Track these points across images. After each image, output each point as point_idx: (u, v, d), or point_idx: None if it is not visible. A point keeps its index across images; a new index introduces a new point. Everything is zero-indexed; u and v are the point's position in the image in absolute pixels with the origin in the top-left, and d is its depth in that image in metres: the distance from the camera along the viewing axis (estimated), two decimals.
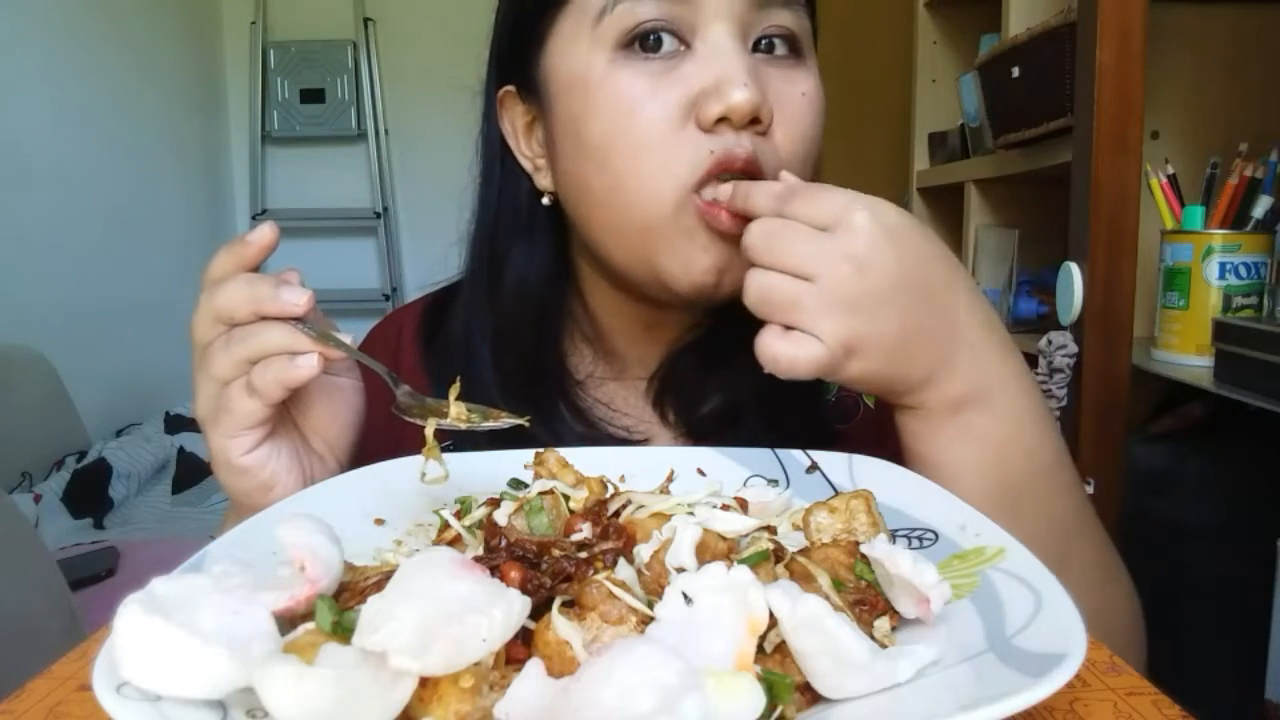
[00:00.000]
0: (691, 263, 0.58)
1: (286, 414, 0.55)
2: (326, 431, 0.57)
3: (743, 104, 0.54)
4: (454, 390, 0.52)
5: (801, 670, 0.32)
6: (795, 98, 0.59)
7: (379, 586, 0.34)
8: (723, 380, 0.68)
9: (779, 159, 0.58)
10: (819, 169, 0.67)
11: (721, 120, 0.55)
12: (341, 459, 0.58)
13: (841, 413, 0.72)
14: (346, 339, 0.52)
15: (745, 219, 0.53)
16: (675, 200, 0.56)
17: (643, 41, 0.57)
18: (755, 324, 0.67)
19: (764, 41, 0.58)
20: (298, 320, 0.50)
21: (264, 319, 0.50)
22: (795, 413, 0.67)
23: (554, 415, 0.66)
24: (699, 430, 0.68)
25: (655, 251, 0.59)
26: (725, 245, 0.57)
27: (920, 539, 0.45)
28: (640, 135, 0.56)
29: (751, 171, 0.56)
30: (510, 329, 0.67)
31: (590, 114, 0.58)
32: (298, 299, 0.50)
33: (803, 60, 0.60)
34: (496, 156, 0.68)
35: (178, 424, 2.63)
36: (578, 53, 0.58)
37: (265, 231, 0.52)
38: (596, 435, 0.66)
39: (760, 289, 0.50)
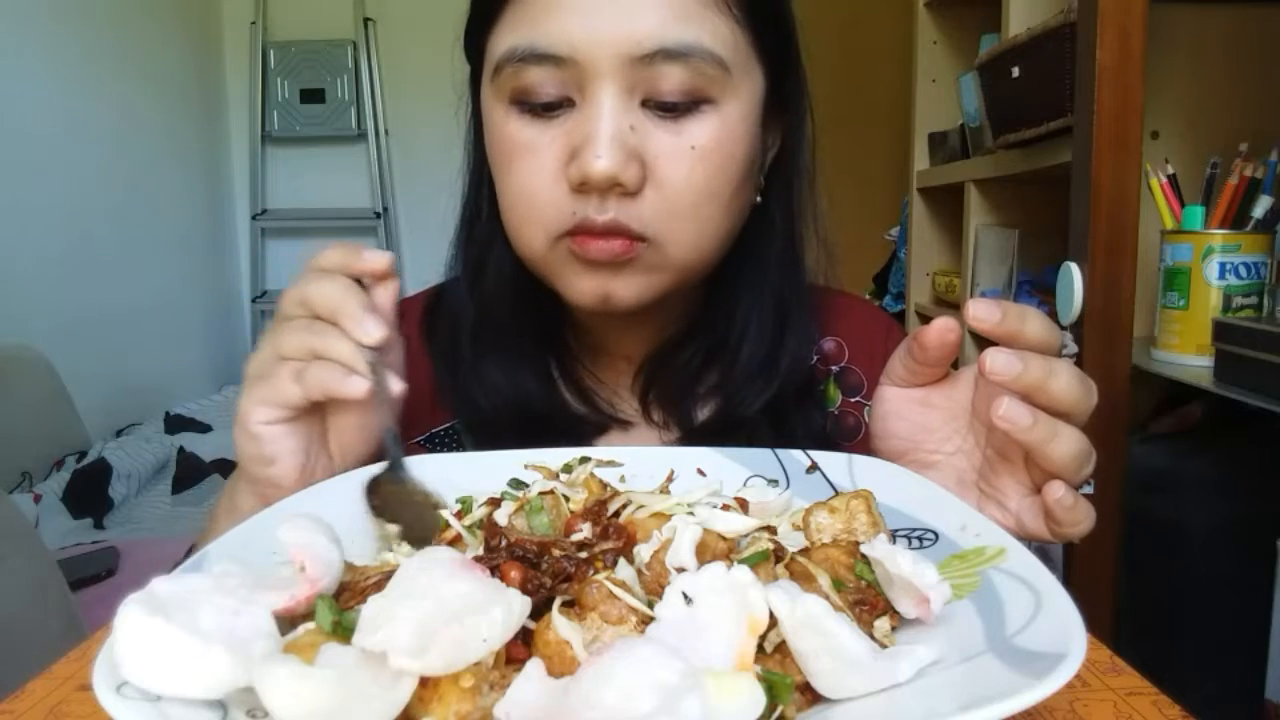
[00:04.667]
0: (573, 287, 0.62)
1: (319, 408, 0.55)
2: (348, 440, 0.57)
3: (596, 174, 0.56)
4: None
5: (801, 670, 0.32)
6: (680, 152, 0.59)
7: (379, 586, 0.34)
8: (712, 386, 0.69)
9: (655, 217, 0.59)
10: (794, 210, 0.69)
11: (585, 181, 0.57)
12: (350, 467, 0.58)
13: (843, 430, 0.73)
14: (396, 386, 0.54)
15: (616, 244, 0.58)
16: (546, 245, 0.61)
17: (530, 100, 0.59)
18: (739, 329, 0.67)
19: (651, 100, 0.58)
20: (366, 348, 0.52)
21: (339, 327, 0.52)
22: (796, 422, 0.68)
23: (547, 382, 0.68)
24: (693, 436, 0.68)
25: (545, 276, 0.64)
26: (599, 271, 0.61)
27: (920, 539, 0.45)
28: (519, 185, 0.61)
29: (612, 232, 0.59)
30: (490, 316, 0.69)
31: (491, 154, 0.64)
32: (374, 333, 0.51)
33: (705, 109, 0.59)
34: (477, 151, 0.70)
35: (178, 424, 2.63)
36: (487, 98, 0.62)
37: (382, 260, 0.55)
38: (586, 404, 0.69)
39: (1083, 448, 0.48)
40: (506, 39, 0.58)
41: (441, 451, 0.70)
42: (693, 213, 0.60)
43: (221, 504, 0.58)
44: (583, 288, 0.61)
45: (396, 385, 0.53)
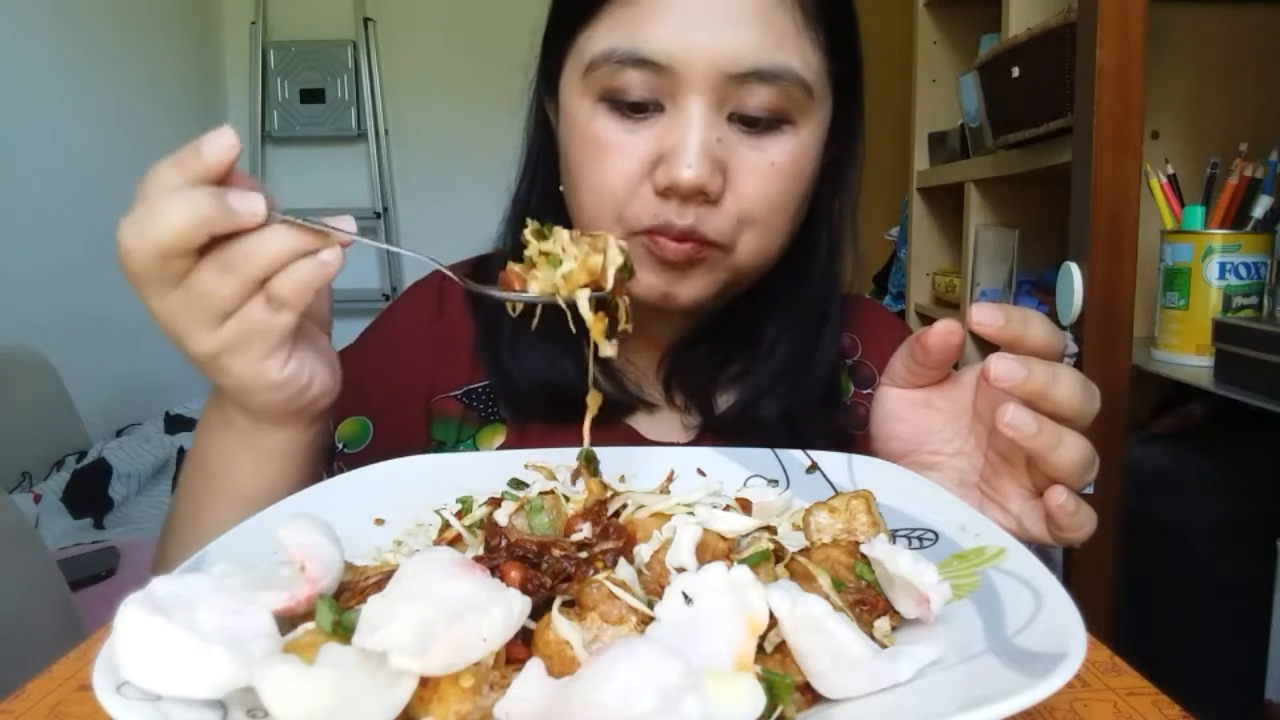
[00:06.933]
0: (638, 283, 0.63)
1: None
2: (321, 313, 0.54)
3: (685, 183, 0.58)
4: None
5: (801, 670, 0.32)
6: (761, 168, 0.61)
7: (379, 586, 0.34)
8: (735, 375, 0.71)
9: (729, 226, 0.61)
10: (838, 225, 0.72)
11: (671, 187, 0.59)
12: (329, 331, 0.56)
13: (855, 420, 0.74)
14: (347, 224, 0.46)
15: (688, 246, 0.60)
16: (622, 237, 0.61)
17: (621, 100, 0.60)
18: (773, 334, 0.69)
19: (737, 115, 0.60)
20: (274, 214, 0.44)
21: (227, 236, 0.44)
22: (814, 415, 0.70)
23: (580, 363, 0.69)
24: (713, 424, 0.70)
25: None
26: (669, 271, 0.62)
27: (920, 539, 0.45)
28: (602, 182, 0.62)
29: (689, 238, 0.60)
30: None
31: (570, 148, 0.65)
32: (255, 207, 0.43)
33: (785, 129, 0.61)
34: (538, 136, 0.72)
35: (178, 424, 2.63)
36: (572, 91, 0.63)
37: (226, 138, 0.43)
38: (615, 385, 0.71)
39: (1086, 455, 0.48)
40: (605, 39, 0.60)
41: (476, 407, 0.73)
42: (764, 225, 0.63)
43: (236, 464, 0.54)
44: (650, 285, 0.63)
45: (347, 223, 0.46)
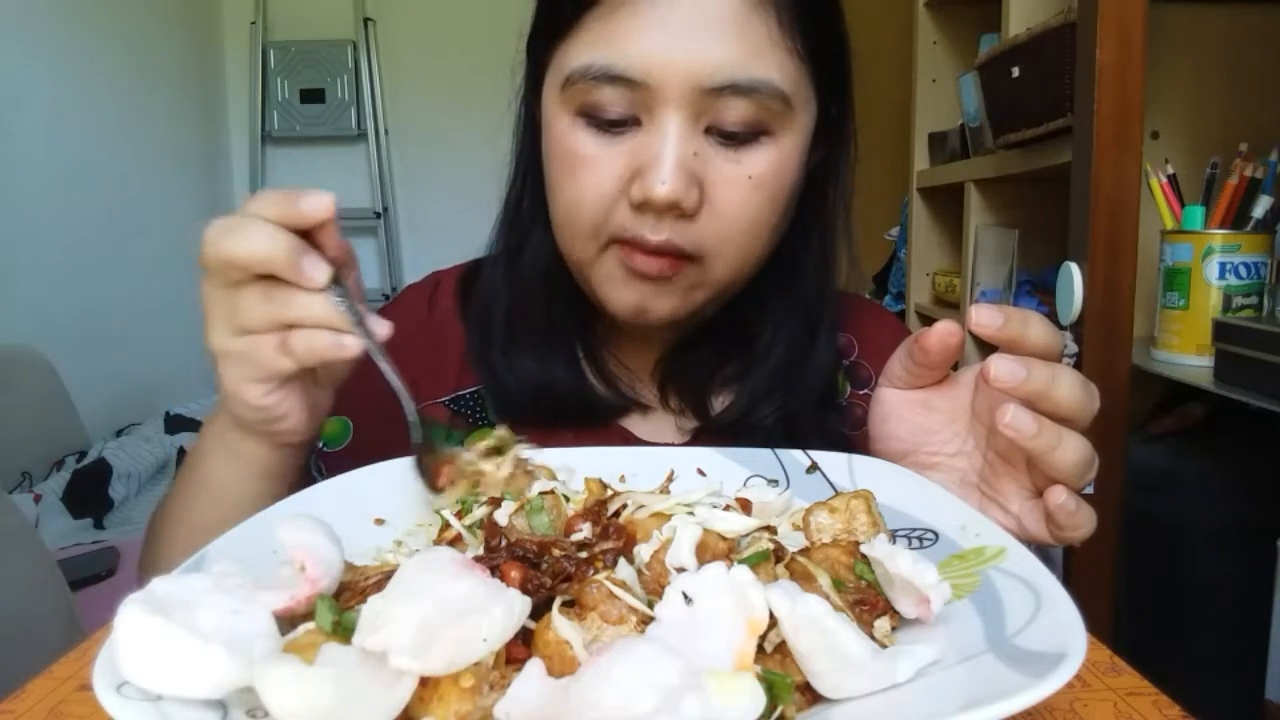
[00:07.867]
0: (613, 298, 0.64)
1: None
2: (332, 367, 0.55)
3: (659, 198, 0.58)
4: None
5: (801, 670, 0.32)
6: (738, 181, 0.60)
7: (379, 586, 0.34)
8: (730, 376, 0.71)
9: (706, 240, 0.61)
10: (831, 224, 0.72)
11: (645, 202, 0.59)
12: (338, 387, 0.58)
13: (850, 421, 0.73)
14: (381, 329, 0.49)
15: (661, 260, 0.60)
16: (596, 252, 0.63)
17: (598, 115, 0.60)
18: (767, 336, 0.68)
19: (715, 128, 0.60)
20: (335, 286, 0.48)
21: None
22: (810, 417, 0.70)
23: (573, 366, 0.69)
24: (709, 426, 0.70)
25: (588, 282, 0.66)
26: (643, 284, 0.62)
27: (920, 539, 0.45)
28: (578, 196, 0.62)
29: (664, 252, 0.60)
30: (524, 301, 0.70)
31: (549, 158, 0.65)
32: (318, 276, 0.47)
33: (764, 140, 0.61)
34: (528, 140, 0.71)
35: (178, 424, 2.63)
36: (552, 103, 0.63)
37: (323, 200, 0.48)
38: (609, 388, 0.71)
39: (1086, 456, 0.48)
40: (582, 55, 0.59)
41: (464, 413, 0.72)
42: (743, 237, 0.62)
43: (213, 454, 0.57)
44: (623, 299, 0.63)
45: (382, 327, 0.50)
